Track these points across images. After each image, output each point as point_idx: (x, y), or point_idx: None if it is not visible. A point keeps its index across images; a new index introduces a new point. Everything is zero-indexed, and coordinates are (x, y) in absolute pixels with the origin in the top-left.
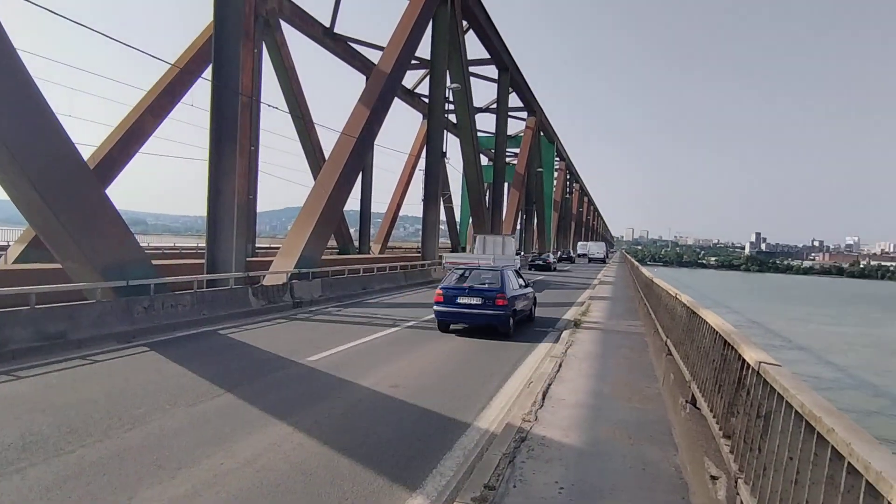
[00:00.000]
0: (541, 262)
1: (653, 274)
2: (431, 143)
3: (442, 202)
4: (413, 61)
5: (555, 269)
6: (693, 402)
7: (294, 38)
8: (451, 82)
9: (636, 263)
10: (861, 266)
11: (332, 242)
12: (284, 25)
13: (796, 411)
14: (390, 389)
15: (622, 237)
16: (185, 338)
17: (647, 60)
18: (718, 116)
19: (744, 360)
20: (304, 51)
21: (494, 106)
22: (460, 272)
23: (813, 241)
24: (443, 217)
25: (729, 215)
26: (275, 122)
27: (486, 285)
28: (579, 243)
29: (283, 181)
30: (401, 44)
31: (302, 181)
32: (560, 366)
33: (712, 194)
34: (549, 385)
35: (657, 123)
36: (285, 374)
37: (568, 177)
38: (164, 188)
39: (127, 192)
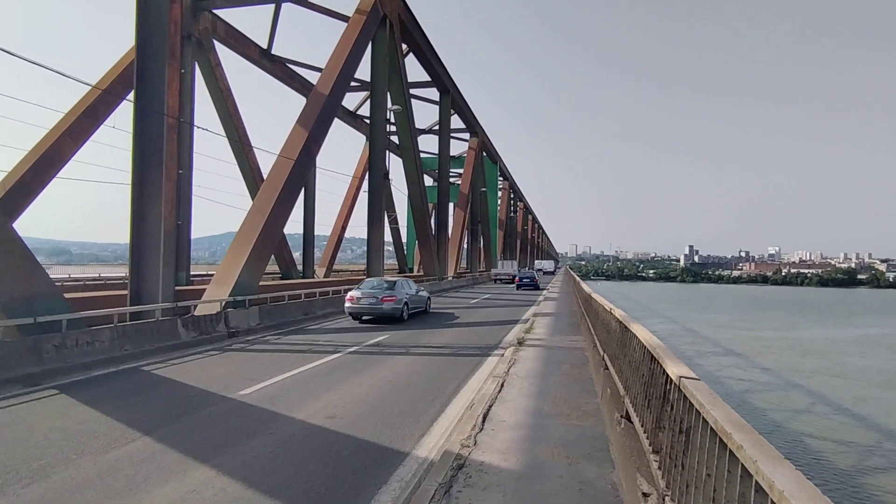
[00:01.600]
0: (528, 279)
1: (593, 289)
2: (374, 165)
3: (387, 223)
4: (354, 83)
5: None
6: (627, 416)
7: (239, 61)
8: (393, 104)
9: (577, 279)
10: (783, 274)
11: (275, 268)
12: (223, 47)
13: (711, 427)
14: (327, 421)
15: (566, 253)
16: (102, 377)
17: (594, 76)
18: (654, 133)
19: (667, 375)
20: (254, 73)
21: (437, 127)
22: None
23: (740, 252)
24: (389, 238)
25: (664, 229)
26: (216, 145)
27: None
28: (536, 262)
29: (224, 206)
30: (339, 65)
31: (243, 205)
32: (502, 386)
33: (649, 209)
34: (490, 406)
35: (596, 139)
36: (213, 411)
37: (512, 196)
38: (90, 215)
39: (48, 220)
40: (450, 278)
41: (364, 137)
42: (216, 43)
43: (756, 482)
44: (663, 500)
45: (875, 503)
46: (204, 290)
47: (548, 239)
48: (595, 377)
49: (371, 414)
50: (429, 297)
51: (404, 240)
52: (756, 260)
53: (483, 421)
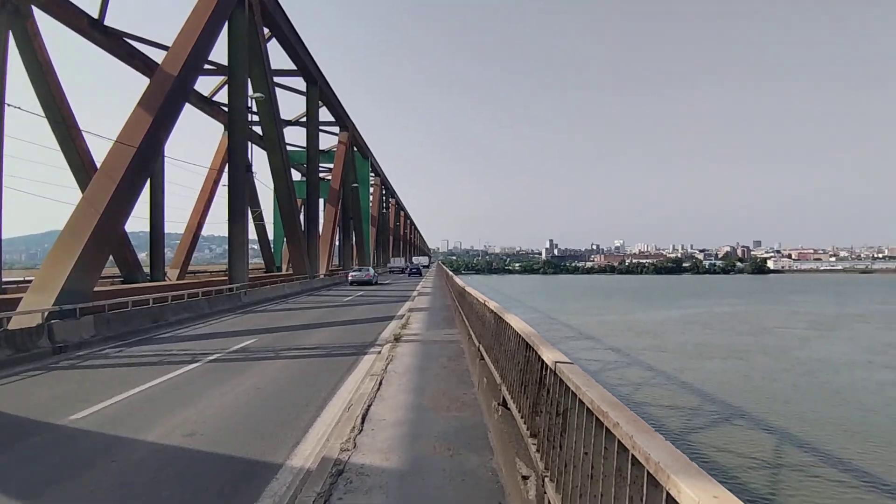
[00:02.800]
0: (415, 269)
1: (466, 282)
2: (234, 156)
3: (251, 219)
4: (209, 66)
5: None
6: (504, 404)
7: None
8: (254, 91)
9: (451, 273)
10: (626, 264)
11: (116, 270)
12: (42, 14)
13: (587, 408)
14: (184, 439)
15: (438, 249)
16: None
17: (476, 70)
18: (517, 127)
19: (543, 361)
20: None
21: (305, 119)
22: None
23: (592, 245)
24: (254, 236)
25: (528, 224)
26: (38, 129)
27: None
28: (414, 258)
29: (46, 199)
30: (190, 44)
31: (71, 199)
32: (380, 383)
33: (512, 205)
34: (369, 406)
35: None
36: (38, 442)
37: (384, 192)
38: None
39: None
40: (321, 276)
41: (222, 126)
42: (35, 10)
43: (633, 456)
44: (542, 481)
45: (697, 457)
46: (20, 298)
47: (420, 235)
48: (472, 368)
49: (238, 426)
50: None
51: (271, 237)
52: (605, 252)
53: (362, 422)
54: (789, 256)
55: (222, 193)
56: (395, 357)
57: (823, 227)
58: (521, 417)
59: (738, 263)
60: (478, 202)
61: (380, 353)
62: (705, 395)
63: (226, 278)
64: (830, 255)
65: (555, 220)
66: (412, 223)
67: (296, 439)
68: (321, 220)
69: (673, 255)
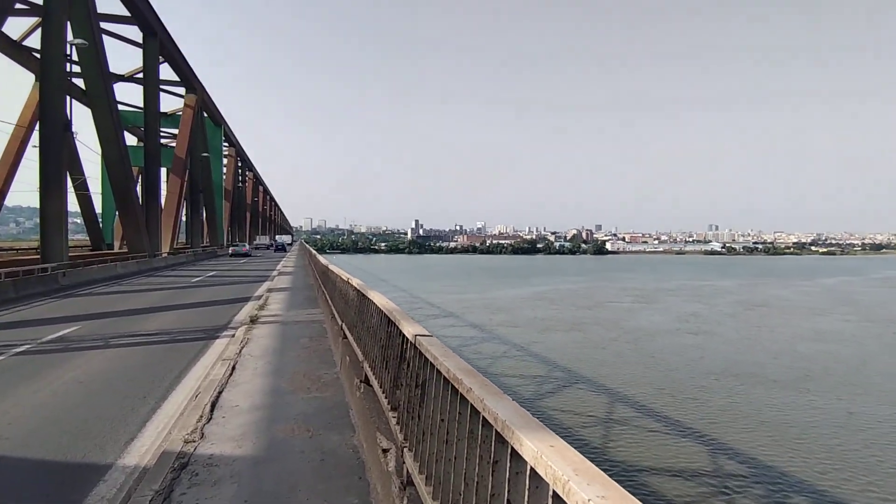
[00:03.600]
0: (280, 246)
1: (330, 262)
2: (48, 112)
3: (72, 188)
4: (20, 5)
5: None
6: (366, 381)
7: None
8: (75, 37)
9: (314, 252)
10: (487, 245)
11: None
12: None
13: (444, 377)
14: None
15: (301, 227)
16: None
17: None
18: (387, 102)
19: (404, 336)
20: None
21: (142, 76)
22: None
23: (456, 226)
24: (77, 208)
25: (393, 204)
26: None
27: None
28: (277, 236)
29: None
30: None
31: None
32: (234, 368)
33: (379, 184)
34: (220, 393)
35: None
36: None
37: (240, 164)
38: None
39: None
40: (164, 255)
41: (33, 77)
42: None
43: (483, 417)
44: (401, 451)
45: (544, 416)
46: None
47: (281, 213)
48: (334, 348)
49: (55, 427)
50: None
51: (99, 210)
52: (468, 233)
53: (211, 409)
54: (623, 239)
55: (33, 156)
56: (251, 340)
57: (650, 214)
58: (383, 392)
59: (583, 245)
60: (343, 180)
61: (234, 336)
62: (551, 363)
63: (38, 257)
64: (654, 239)
65: (420, 201)
66: (272, 200)
67: (130, 435)
68: (163, 192)
69: (529, 237)
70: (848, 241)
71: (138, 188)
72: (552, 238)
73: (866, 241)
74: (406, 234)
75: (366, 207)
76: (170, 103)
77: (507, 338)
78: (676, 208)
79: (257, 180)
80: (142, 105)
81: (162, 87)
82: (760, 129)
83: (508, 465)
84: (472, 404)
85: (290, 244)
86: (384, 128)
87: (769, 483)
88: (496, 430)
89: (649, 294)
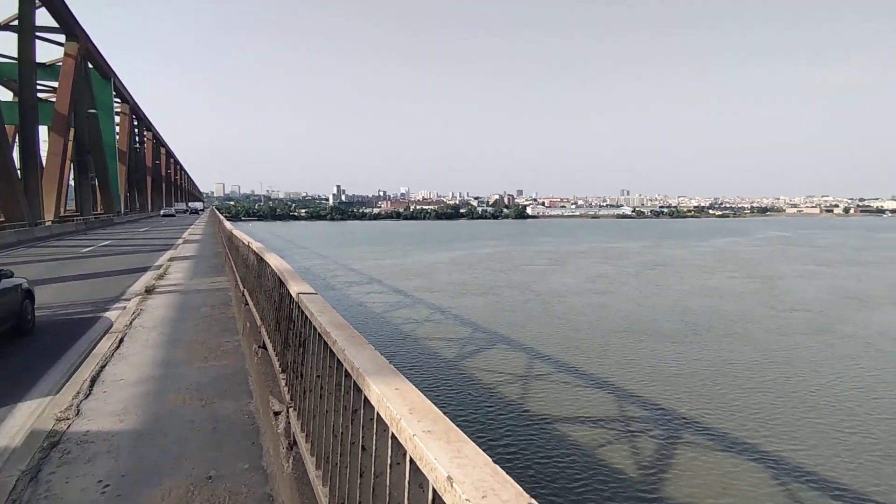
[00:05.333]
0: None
1: (245, 230)
2: None
3: None
4: None
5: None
6: (264, 345)
7: None
8: None
9: (222, 218)
10: (411, 210)
11: None
12: None
13: (319, 332)
14: None
15: (212, 193)
16: None
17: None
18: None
19: (290, 296)
20: None
21: (16, 23)
22: None
23: (379, 192)
24: None
25: (314, 169)
26: None
27: None
28: (190, 203)
29: None
30: None
31: None
32: (121, 341)
33: (298, 148)
34: (104, 367)
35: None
36: None
37: (136, 123)
38: None
39: None
40: (49, 223)
41: None
42: None
43: (345, 368)
44: (287, 412)
45: (465, 379)
46: None
47: (189, 177)
48: (237, 315)
49: None
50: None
51: None
52: (391, 198)
53: (91, 385)
54: (543, 204)
55: None
56: (144, 311)
57: (569, 179)
58: (276, 355)
59: (505, 210)
60: (259, 143)
61: (126, 308)
62: (466, 326)
63: None
64: (572, 204)
65: (342, 166)
66: (178, 163)
67: None
68: (43, 153)
69: (452, 202)
70: (739, 205)
71: (15, 149)
72: (475, 203)
73: (754, 205)
74: (328, 200)
75: (284, 173)
76: (51, 53)
77: (424, 302)
78: (594, 173)
79: (158, 141)
80: (15, 55)
81: (39, 34)
82: (666, 98)
83: (363, 412)
84: (337, 356)
85: (201, 211)
86: (303, 92)
87: (662, 424)
88: (353, 380)
89: (562, 257)
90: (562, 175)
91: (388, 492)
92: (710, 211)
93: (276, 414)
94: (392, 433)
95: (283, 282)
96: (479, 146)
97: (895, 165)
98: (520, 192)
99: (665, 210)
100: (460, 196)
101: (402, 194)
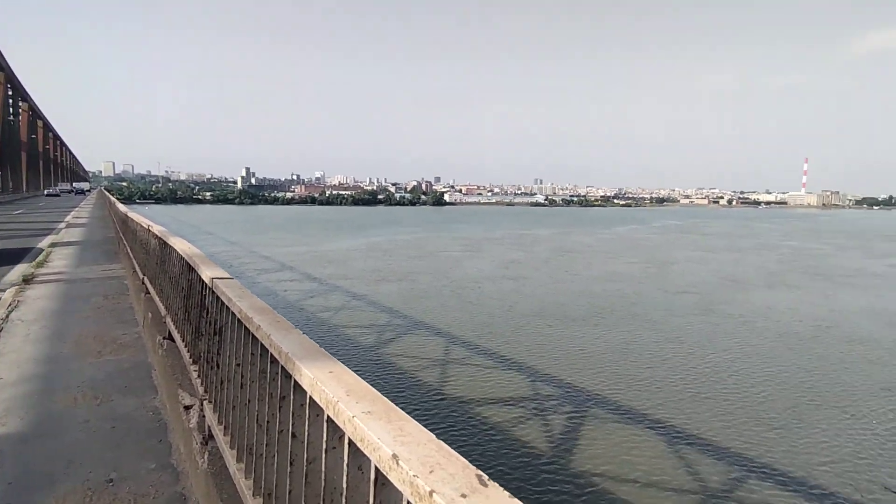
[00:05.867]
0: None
1: (142, 213)
2: None
3: None
4: None
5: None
6: (170, 336)
7: None
8: None
9: (113, 200)
10: (327, 195)
11: None
12: None
13: (238, 318)
14: None
15: (100, 172)
16: None
17: None
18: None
19: (203, 281)
20: None
21: None
22: None
23: (293, 175)
24: None
25: (221, 150)
26: None
27: None
28: (75, 183)
29: None
30: None
31: None
32: None
33: (202, 127)
34: None
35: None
36: None
37: (9, 91)
38: None
39: None
40: None
41: None
42: None
43: (271, 354)
44: (202, 405)
45: (386, 363)
46: None
47: (72, 154)
48: (136, 305)
49: None
50: None
51: None
52: (306, 183)
53: None
54: (461, 191)
55: None
56: (23, 302)
57: (486, 167)
58: (185, 345)
59: (423, 196)
60: (158, 117)
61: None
62: (381, 313)
63: None
64: (488, 191)
65: (252, 147)
66: (59, 138)
67: None
68: None
69: (370, 188)
70: (640, 196)
71: None
72: (393, 189)
73: (653, 196)
74: (236, 183)
75: (186, 152)
76: None
77: (340, 289)
78: (510, 162)
79: (35, 114)
80: None
81: None
82: (579, 94)
83: (293, 398)
84: (261, 342)
85: (87, 192)
86: (210, 67)
87: (571, 398)
88: (281, 365)
89: (477, 243)
90: (479, 163)
91: (322, 477)
92: (616, 200)
93: (188, 408)
94: (328, 416)
95: (192, 267)
96: (397, 132)
97: (769, 163)
98: (437, 179)
99: (575, 199)
100: (378, 182)
101: (318, 179)
